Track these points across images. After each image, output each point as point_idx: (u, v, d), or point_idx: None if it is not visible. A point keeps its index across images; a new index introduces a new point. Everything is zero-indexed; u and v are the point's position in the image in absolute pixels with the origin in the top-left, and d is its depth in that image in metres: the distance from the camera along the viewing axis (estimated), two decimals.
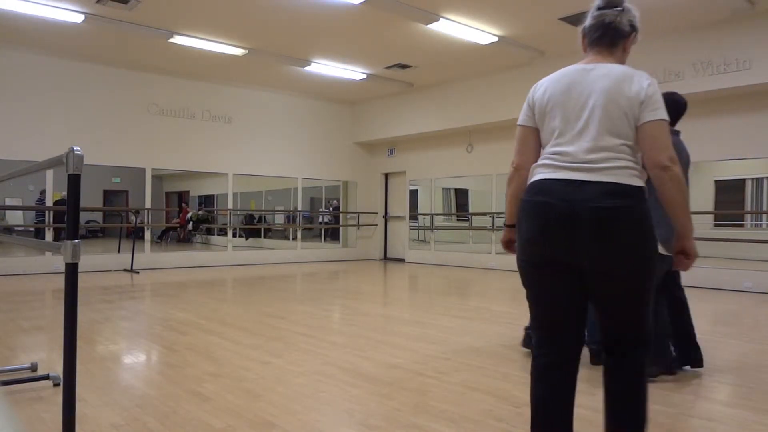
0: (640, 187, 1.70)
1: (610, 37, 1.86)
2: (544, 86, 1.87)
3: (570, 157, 1.74)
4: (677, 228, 1.80)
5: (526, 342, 3.84)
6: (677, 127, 3.35)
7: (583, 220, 1.66)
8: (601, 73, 1.77)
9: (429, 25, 7.53)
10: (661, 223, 2.79)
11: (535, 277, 1.81)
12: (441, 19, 7.33)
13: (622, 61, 1.88)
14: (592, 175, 1.69)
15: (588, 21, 1.90)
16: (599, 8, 1.89)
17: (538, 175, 1.80)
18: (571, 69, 1.84)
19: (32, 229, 13.66)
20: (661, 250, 2.99)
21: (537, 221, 1.74)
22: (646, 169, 1.76)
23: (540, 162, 1.82)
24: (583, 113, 1.75)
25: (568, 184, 1.71)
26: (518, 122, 1.93)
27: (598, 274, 1.71)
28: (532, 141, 1.89)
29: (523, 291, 1.92)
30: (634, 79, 1.74)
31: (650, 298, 1.77)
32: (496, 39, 8.08)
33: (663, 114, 1.71)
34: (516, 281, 8.24)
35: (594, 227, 1.66)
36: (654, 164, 1.70)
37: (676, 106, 3.26)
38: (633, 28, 1.87)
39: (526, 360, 3.64)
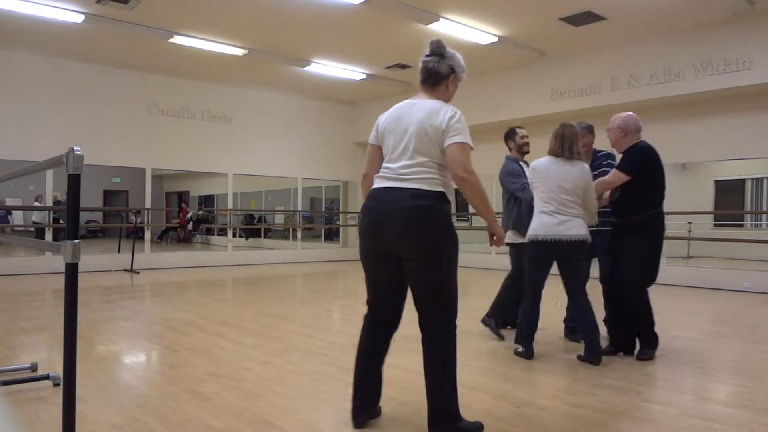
0: (440, 192, 2.27)
1: (432, 80, 2.43)
2: (385, 115, 2.46)
3: (392, 170, 2.32)
4: (485, 219, 2.43)
5: (567, 334, 4.34)
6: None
7: (395, 217, 2.23)
8: (419, 108, 2.35)
9: (429, 25, 7.52)
10: (524, 220, 3.93)
11: (368, 263, 2.42)
12: (441, 19, 7.33)
13: (445, 96, 2.42)
14: (404, 183, 2.27)
15: (420, 64, 2.45)
16: (426, 55, 2.45)
17: (374, 184, 2.38)
18: (403, 104, 2.43)
19: (32, 229, 13.66)
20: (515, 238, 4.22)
21: (366, 221, 2.34)
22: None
23: (378, 174, 2.39)
24: (404, 138, 2.32)
25: (388, 191, 2.29)
26: (369, 141, 2.51)
27: (406, 259, 2.27)
28: (376, 156, 2.47)
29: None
30: (440, 113, 2.29)
31: (448, 282, 2.28)
32: (496, 39, 8.08)
33: (460, 138, 2.25)
34: None
35: (401, 221, 2.21)
36: (455, 175, 2.26)
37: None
38: (452, 70, 2.42)
39: (526, 360, 3.64)
